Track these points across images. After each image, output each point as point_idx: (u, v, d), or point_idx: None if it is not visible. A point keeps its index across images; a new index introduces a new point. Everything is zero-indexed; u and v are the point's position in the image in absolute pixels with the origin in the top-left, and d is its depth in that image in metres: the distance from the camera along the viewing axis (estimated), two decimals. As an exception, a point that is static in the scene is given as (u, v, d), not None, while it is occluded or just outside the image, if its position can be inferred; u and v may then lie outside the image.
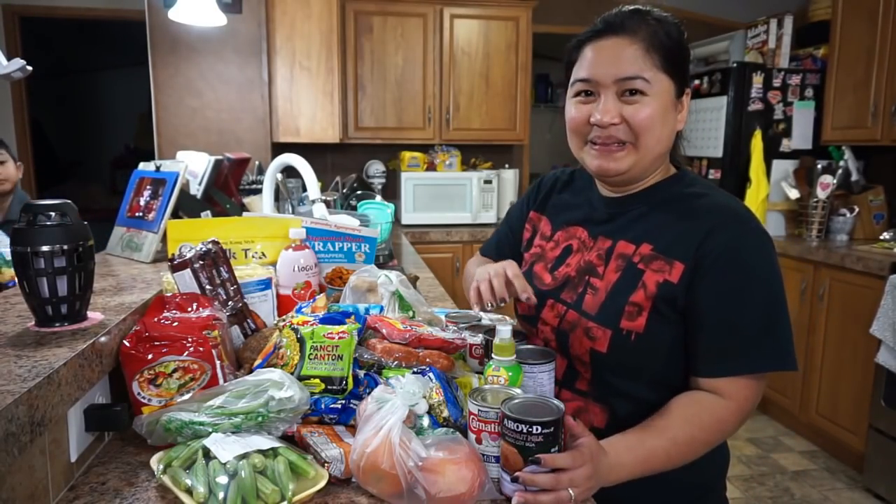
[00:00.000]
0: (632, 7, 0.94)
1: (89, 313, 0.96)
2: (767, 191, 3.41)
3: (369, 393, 0.87)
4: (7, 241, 1.08)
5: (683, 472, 1.00)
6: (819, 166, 3.34)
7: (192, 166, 1.85)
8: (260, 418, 0.85)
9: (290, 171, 1.87)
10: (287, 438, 0.87)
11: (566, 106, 1.00)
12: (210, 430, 0.84)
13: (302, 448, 0.85)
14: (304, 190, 1.90)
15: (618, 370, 0.96)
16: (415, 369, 0.96)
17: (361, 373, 0.95)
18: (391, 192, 4.15)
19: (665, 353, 0.94)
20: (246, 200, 2.20)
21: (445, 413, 0.89)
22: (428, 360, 0.99)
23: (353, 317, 1.00)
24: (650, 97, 0.91)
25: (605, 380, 0.98)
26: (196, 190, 1.89)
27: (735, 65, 3.47)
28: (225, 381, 0.96)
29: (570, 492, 0.75)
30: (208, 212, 1.84)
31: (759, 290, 0.89)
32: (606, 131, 0.93)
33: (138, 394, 0.91)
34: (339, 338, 0.93)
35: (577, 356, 0.99)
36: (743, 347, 0.89)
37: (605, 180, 1.03)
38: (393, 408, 0.79)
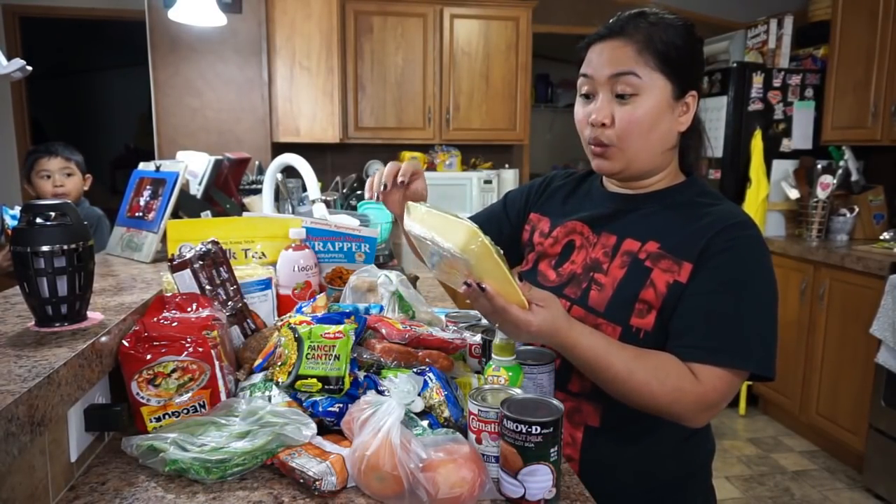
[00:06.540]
0: (634, 10, 0.99)
1: (89, 313, 0.96)
2: (767, 191, 3.41)
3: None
4: None
5: (670, 463, 1.00)
6: (819, 166, 3.34)
7: (192, 166, 1.84)
8: (265, 456, 0.83)
9: (290, 171, 1.87)
10: (268, 467, 0.84)
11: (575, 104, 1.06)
12: (209, 473, 0.81)
13: (285, 473, 0.82)
14: (304, 190, 1.90)
15: None
16: (415, 369, 0.96)
17: (361, 374, 0.95)
18: (391, 192, 4.14)
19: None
20: (246, 200, 2.20)
21: (446, 413, 0.89)
22: (428, 360, 0.99)
23: (352, 317, 1.00)
24: (641, 97, 0.94)
25: None
26: (196, 190, 1.89)
27: (735, 65, 3.47)
28: (224, 381, 0.96)
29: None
30: (208, 212, 1.84)
31: (748, 289, 0.91)
32: (595, 132, 0.98)
33: (137, 394, 0.91)
34: (336, 337, 0.93)
35: None
36: (719, 340, 0.89)
37: (609, 177, 1.07)
38: (389, 409, 0.79)
